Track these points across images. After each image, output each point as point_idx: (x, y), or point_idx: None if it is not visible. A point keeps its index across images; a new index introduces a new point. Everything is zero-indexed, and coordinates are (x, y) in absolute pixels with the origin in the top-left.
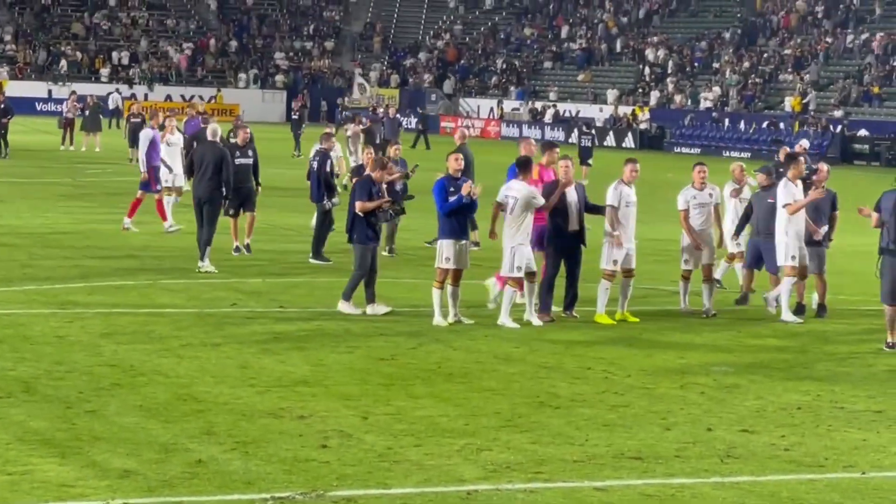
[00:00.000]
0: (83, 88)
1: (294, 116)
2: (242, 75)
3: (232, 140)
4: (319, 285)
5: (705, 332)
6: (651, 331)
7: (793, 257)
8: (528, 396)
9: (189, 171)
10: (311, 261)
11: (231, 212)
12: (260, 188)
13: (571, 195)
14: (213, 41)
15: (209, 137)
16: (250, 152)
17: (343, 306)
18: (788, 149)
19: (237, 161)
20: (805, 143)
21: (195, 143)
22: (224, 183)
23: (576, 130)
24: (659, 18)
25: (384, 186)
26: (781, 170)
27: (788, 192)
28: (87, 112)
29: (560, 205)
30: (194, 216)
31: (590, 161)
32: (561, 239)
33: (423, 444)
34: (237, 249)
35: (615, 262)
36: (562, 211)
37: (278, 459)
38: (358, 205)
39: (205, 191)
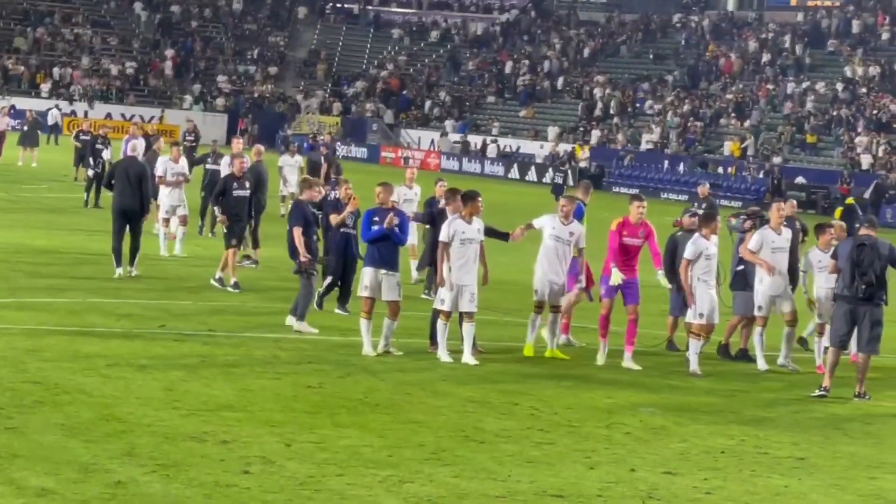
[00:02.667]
0: (23, 103)
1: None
2: (188, 97)
3: (227, 169)
4: (249, 310)
5: (634, 373)
6: (580, 368)
7: (759, 308)
8: (454, 430)
9: (108, 184)
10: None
11: (233, 242)
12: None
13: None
14: (157, 61)
15: (129, 153)
16: (247, 183)
17: (300, 326)
18: (707, 187)
19: (235, 193)
20: (706, 185)
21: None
22: (144, 196)
23: (550, 169)
24: (602, 58)
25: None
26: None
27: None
28: (25, 127)
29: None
30: (112, 226)
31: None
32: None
33: (345, 474)
34: (236, 285)
35: (535, 291)
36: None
37: (199, 483)
38: (295, 231)
39: (130, 203)
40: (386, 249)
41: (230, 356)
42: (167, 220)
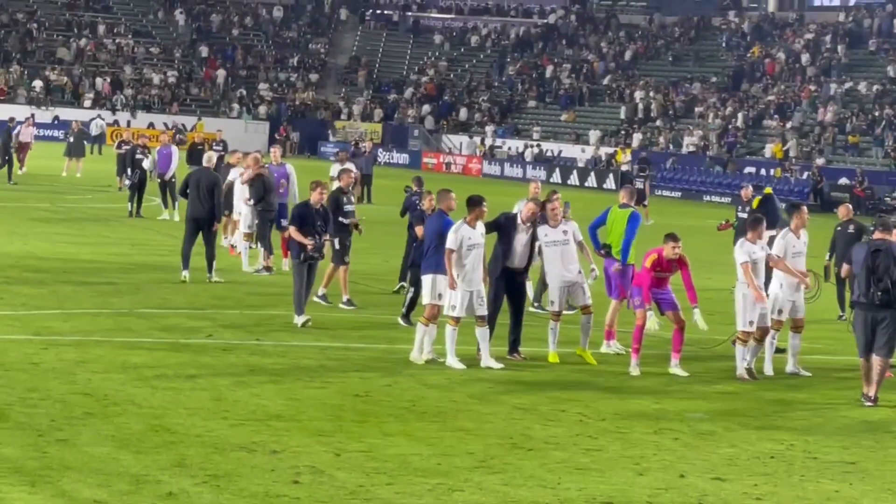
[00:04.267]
0: (66, 114)
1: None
2: (235, 105)
3: (335, 183)
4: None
5: (682, 378)
6: (627, 374)
7: (779, 311)
8: (502, 437)
9: (184, 192)
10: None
11: (346, 259)
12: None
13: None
14: (208, 69)
15: (204, 163)
16: (353, 198)
17: (295, 320)
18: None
19: (345, 208)
20: (749, 188)
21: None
22: (216, 206)
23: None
24: (644, 61)
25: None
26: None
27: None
28: (71, 138)
29: (506, 241)
30: (185, 232)
31: (645, 202)
32: (503, 276)
33: (394, 483)
34: (349, 302)
35: (552, 302)
36: (506, 247)
37: (249, 494)
38: (291, 229)
39: (201, 212)
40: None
41: (277, 365)
42: (250, 235)
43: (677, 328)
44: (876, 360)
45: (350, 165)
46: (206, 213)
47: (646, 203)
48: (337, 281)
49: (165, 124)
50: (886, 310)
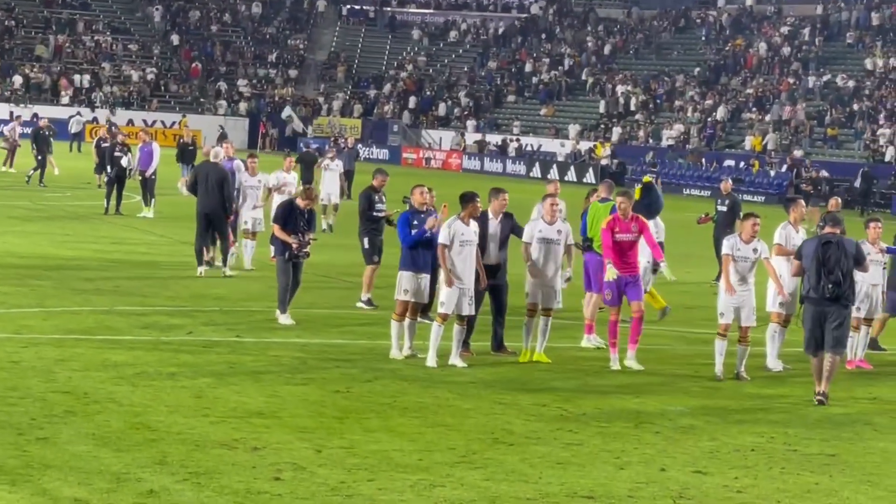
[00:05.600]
0: (44, 111)
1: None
2: (222, 102)
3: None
4: (275, 316)
5: (663, 372)
6: (608, 369)
7: (781, 304)
8: (483, 432)
9: (192, 188)
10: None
11: (375, 259)
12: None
13: (492, 227)
14: (197, 66)
15: (212, 159)
16: (384, 197)
17: (280, 318)
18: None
19: (377, 206)
20: (729, 181)
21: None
22: (226, 199)
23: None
24: (623, 55)
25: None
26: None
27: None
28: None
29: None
30: (197, 228)
31: None
32: None
33: (376, 479)
34: (368, 301)
35: (527, 294)
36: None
37: (231, 491)
38: (275, 227)
39: (212, 207)
40: (426, 252)
41: (258, 362)
42: (248, 233)
43: (636, 318)
44: (827, 357)
45: (337, 164)
46: (216, 206)
47: None
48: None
49: (144, 121)
50: (836, 304)
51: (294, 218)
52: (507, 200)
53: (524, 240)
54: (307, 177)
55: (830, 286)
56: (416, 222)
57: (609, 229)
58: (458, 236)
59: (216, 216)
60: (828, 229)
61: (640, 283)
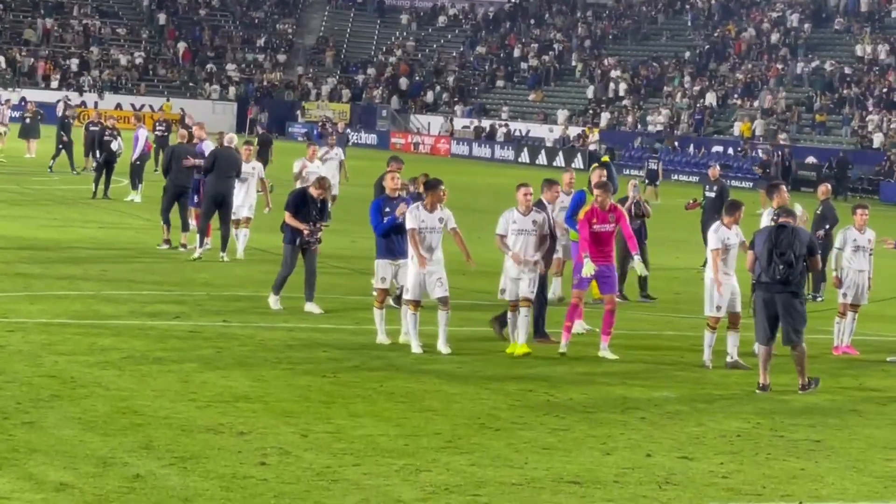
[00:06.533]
0: (32, 95)
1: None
2: (216, 86)
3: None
4: (264, 300)
5: (649, 359)
6: (595, 354)
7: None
8: (469, 418)
9: (166, 169)
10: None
11: None
12: None
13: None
14: (188, 50)
15: (225, 143)
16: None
17: (270, 300)
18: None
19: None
20: (717, 167)
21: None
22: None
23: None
24: (612, 40)
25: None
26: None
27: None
28: (27, 119)
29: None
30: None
31: (657, 182)
32: None
33: (362, 464)
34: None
35: (502, 291)
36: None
37: (216, 475)
38: (287, 215)
39: (224, 191)
40: (400, 238)
41: (245, 347)
42: (236, 221)
43: (608, 310)
44: (792, 353)
45: (336, 152)
46: (228, 192)
47: (657, 183)
48: None
49: (133, 105)
50: (787, 289)
51: (307, 206)
52: (559, 192)
53: (498, 231)
54: (263, 158)
55: (782, 267)
56: (387, 209)
57: (587, 221)
58: (419, 223)
59: (224, 201)
60: (781, 219)
61: (615, 275)
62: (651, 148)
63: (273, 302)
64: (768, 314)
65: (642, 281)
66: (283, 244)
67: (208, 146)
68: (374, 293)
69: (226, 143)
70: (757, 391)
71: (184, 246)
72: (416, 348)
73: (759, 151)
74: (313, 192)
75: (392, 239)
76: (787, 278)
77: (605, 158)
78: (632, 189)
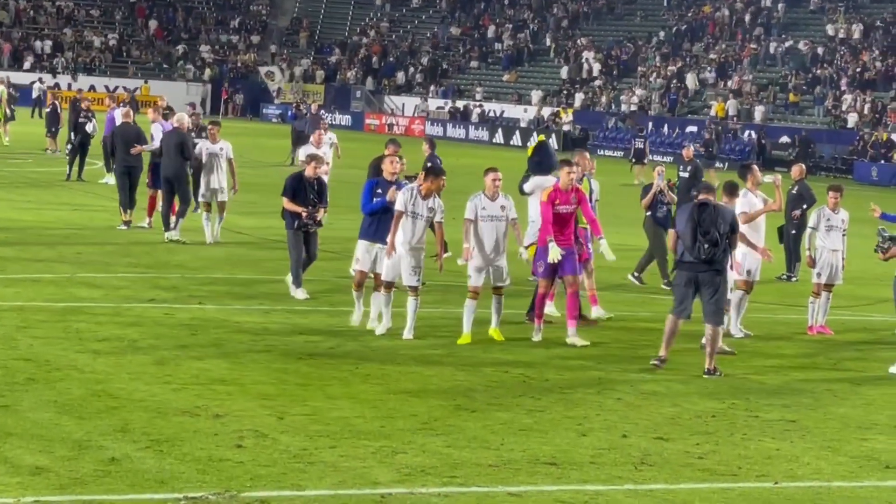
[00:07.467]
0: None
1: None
2: (189, 66)
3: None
4: (238, 282)
5: (625, 340)
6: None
7: (748, 272)
8: (445, 399)
9: (111, 152)
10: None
11: None
12: None
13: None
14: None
15: (174, 124)
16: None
17: (293, 292)
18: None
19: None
20: (691, 148)
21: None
22: (186, 162)
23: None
24: (586, 20)
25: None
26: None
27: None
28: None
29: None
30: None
31: (644, 161)
32: None
33: (338, 446)
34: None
35: (469, 276)
36: None
37: (192, 458)
38: (284, 200)
39: (173, 171)
40: (385, 223)
41: (220, 329)
42: (206, 205)
43: (570, 293)
44: (708, 328)
45: (330, 136)
46: (178, 170)
47: (645, 162)
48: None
49: (107, 87)
50: (710, 268)
51: (303, 189)
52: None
53: (467, 216)
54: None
55: (706, 245)
56: (380, 191)
57: (550, 202)
58: (408, 206)
59: (178, 180)
60: (702, 196)
61: (575, 257)
62: (638, 127)
63: (299, 294)
64: (690, 292)
65: (664, 268)
66: (286, 230)
67: (157, 129)
68: (353, 273)
69: (175, 124)
70: (652, 362)
71: (126, 223)
72: (381, 330)
73: (702, 130)
74: (309, 172)
75: (376, 221)
76: (711, 257)
77: (541, 138)
78: (658, 176)
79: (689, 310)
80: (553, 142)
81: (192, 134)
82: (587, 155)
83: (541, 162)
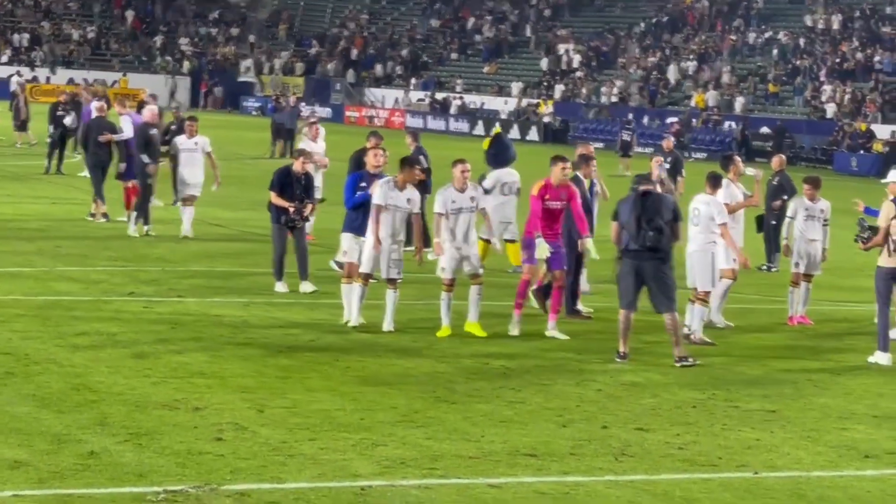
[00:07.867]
0: None
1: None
2: (168, 58)
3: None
4: (217, 275)
5: (606, 330)
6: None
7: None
8: (425, 391)
9: (84, 144)
10: None
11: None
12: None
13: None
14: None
15: (95, 113)
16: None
17: (277, 286)
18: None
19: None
20: (671, 139)
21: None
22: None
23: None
24: (566, 12)
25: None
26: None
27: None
28: None
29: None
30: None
31: (630, 153)
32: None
33: (318, 438)
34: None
35: (442, 269)
36: None
37: (172, 452)
38: (272, 194)
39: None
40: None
41: (200, 322)
42: (186, 199)
43: (556, 287)
44: (667, 318)
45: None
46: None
47: (631, 154)
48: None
49: (85, 80)
50: (656, 256)
51: (290, 184)
52: (594, 168)
53: (437, 210)
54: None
55: (651, 234)
56: (363, 185)
57: (540, 197)
58: (388, 198)
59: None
60: (642, 187)
61: (563, 252)
62: (625, 119)
63: (279, 287)
64: (635, 282)
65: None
66: (271, 224)
67: (126, 121)
68: (334, 265)
69: (94, 113)
70: (616, 360)
71: (92, 216)
72: (354, 321)
73: (672, 120)
74: (297, 167)
75: (361, 214)
76: (656, 245)
77: (497, 130)
78: (657, 167)
79: (636, 302)
80: (535, 132)
81: (174, 128)
82: (593, 164)
83: (497, 154)
